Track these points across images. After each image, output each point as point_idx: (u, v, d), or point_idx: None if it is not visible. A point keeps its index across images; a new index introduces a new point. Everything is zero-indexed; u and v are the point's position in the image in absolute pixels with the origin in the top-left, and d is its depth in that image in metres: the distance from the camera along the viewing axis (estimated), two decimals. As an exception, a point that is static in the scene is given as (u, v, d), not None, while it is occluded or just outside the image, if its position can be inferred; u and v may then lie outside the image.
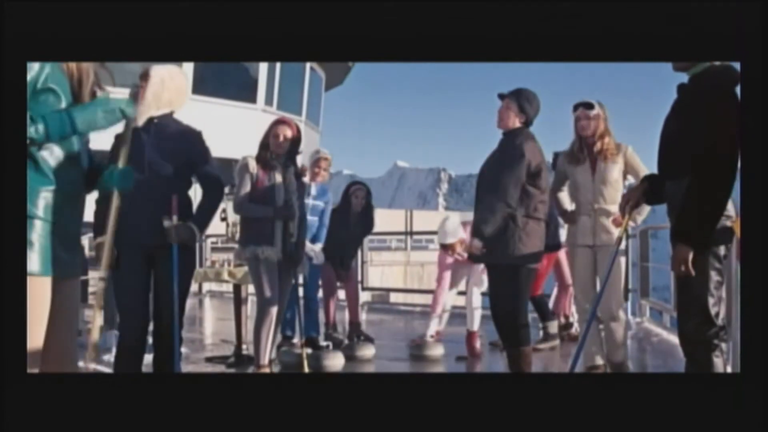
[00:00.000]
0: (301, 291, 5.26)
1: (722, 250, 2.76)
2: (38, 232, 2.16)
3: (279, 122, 4.56)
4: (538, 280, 5.91)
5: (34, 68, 2.14)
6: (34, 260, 2.15)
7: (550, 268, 6.16)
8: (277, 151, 4.44)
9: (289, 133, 4.46)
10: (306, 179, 5.63)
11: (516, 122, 4.08)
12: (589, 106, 4.43)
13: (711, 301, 2.70)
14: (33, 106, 2.15)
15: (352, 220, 6.09)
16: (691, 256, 2.67)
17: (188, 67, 13.66)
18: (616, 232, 4.15)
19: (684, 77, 2.85)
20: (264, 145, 4.48)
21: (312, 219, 5.63)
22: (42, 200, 2.17)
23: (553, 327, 6.08)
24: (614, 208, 4.27)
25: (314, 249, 5.62)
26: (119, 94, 2.34)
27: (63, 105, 2.21)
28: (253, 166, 4.44)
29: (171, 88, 3.48)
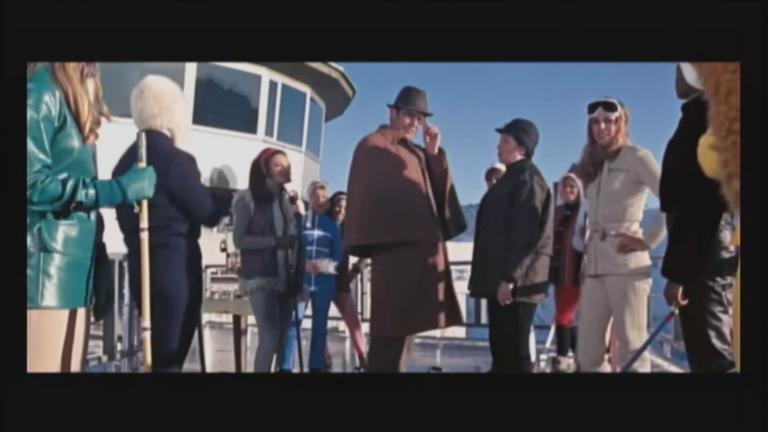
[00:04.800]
0: (306, 323, 5.18)
1: (720, 280, 2.70)
2: (57, 266, 2.20)
3: (274, 152, 4.57)
4: (567, 312, 5.80)
5: (48, 104, 2.16)
6: (53, 294, 2.19)
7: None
8: (279, 180, 4.47)
9: (286, 161, 4.54)
10: (309, 211, 5.62)
11: (516, 155, 4.09)
12: (611, 106, 3.62)
13: (713, 334, 2.67)
14: (55, 146, 2.19)
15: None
16: (680, 291, 2.65)
17: (188, 97, 13.68)
18: (619, 258, 3.53)
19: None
20: (260, 177, 4.46)
21: (320, 249, 5.57)
22: (61, 234, 2.22)
23: (564, 364, 5.86)
24: (617, 227, 3.59)
25: (328, 265, 5.51)
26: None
27: (76, 143, 2.25)
28: (249, 198, 4.43)
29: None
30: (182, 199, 3.14)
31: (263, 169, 4.47)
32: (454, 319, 3.96)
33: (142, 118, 3.20)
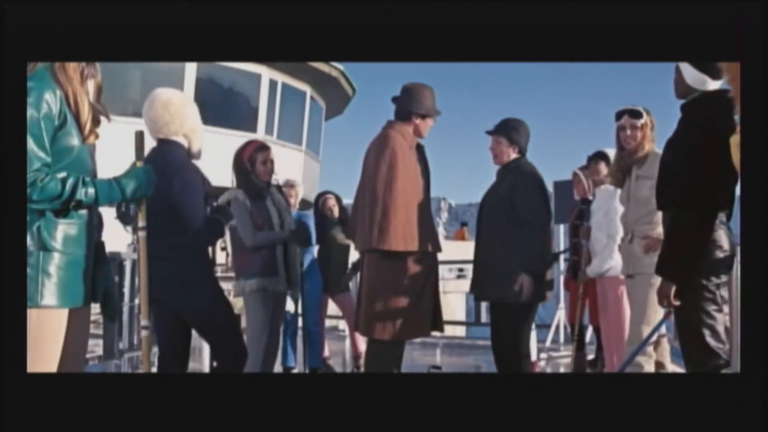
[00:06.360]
0: (299, 321, 5.07)
1: (714, 279, 2.71)
2: (56, 265, 2.20)
3: (256, 149, 4.29)
4: (592, 311, 5.55)
5: (49, 102, 2.17)
6: (53, 293, 2.19)
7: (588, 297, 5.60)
8: (266, 178, 4.26)
9: (270, 155, 4.29)
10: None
11: (510, 155, 4.06)
12: (636, 114, 3.84)
13: (707, 332, 2.68)
14: (54, 144, 2.19)
15: (331, 230, 5.87)
16: (673, 291, 2.67)
17: (188, 96, 13.64)
18: (646, 258, 3.67)
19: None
20: (246, 174, 4.22)
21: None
22: (60, 233, 2.22)
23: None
24: (646, 230, 3.79)
25: None
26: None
27: (76, 142, 2.26)
28: (244, 197, 4.21)
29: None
30: (179, 212, 3.17)
31: (247, 165, 4.21)
32: (438, 325, 4.02)
33: (155, 127, 3.25)
